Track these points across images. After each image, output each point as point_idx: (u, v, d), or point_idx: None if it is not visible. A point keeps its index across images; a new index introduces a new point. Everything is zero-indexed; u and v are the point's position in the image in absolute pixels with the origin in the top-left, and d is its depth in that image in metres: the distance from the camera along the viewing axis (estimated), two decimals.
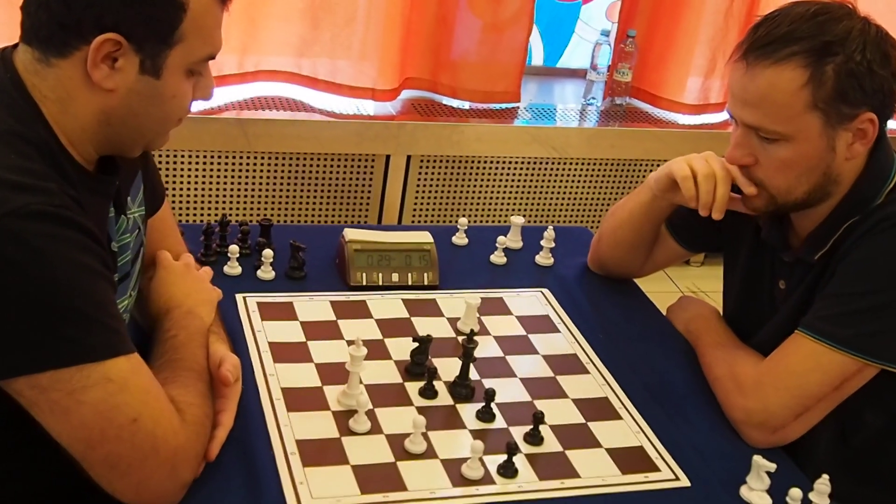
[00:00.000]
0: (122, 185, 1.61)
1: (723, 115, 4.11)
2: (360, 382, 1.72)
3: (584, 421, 1.77)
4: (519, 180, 3.87)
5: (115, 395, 1.34)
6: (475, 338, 1.79)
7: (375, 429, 1.66)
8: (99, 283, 1.38)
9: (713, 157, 1.87)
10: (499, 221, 3.87)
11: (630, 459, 1.69)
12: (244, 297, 1.95)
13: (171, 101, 1.50)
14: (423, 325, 1.95)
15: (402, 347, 1.84)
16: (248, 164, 3.52)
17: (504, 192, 3.88)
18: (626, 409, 1.81)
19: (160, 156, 3.30)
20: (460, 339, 1.86)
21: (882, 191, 1.77)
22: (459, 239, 2.30)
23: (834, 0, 1.73)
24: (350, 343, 1.71)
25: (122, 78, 1.43)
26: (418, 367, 1.79)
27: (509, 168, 3.83)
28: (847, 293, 1.74)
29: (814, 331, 1.74)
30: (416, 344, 1.79)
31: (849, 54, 1.67)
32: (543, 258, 2.26)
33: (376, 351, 1.75)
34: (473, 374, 1.81)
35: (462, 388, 1.78)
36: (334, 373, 1.77)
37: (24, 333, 1.30)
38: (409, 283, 2.07)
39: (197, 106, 3.30)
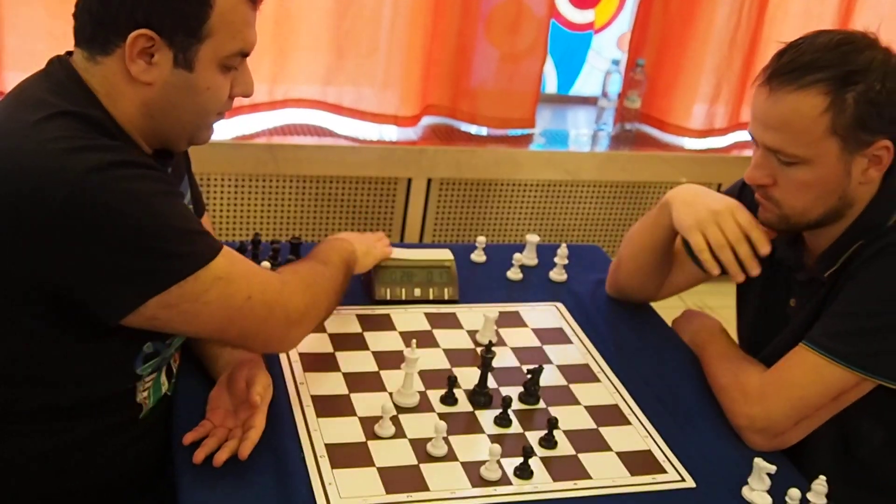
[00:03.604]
0: (173, 181, 1.65)
1: (727, 139, 4.12)
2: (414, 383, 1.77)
3: (595, 426, 1.77)
4: (534, 201, 3.88)
5: (228, 286, 1.48)
6: (493, 349, 1.80)
7: (399, 433, 1.67)
8: (180, 202, 1.49)
9: (724, 216, 1.85)
10: (515, 240, 3.87)
11: (638, 462, 1.70)
12: None
13: (205, 93, 1.53)
14: (444, 337, 1.96)
15: (425, 358, 1.84)
16: (278, 187, 3.54)
17: (520, 213, 3.88)
18: (635, 415, 1.82)
19: (198, 178, 3.32)
20: (479, 350, 1.87)
21: (893, 215, 1.75)
22: (478, 256, 2.30)
23: (857, 31, 1.72)
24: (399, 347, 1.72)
25: (159, 72, 1.48)
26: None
27: (525, 190, 3.84)
28: (851, 312, 1.73)
29: (817, 345, 1.73)
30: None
31: (869, 84, 1.65)
32: (557, 274, 2.26)
33: (400, 361, 1.77)
34: (491, 382, 1.82)
35: (481, 396, 1.79)
36: (361, 381, 1.79)
37: (142, 264, 1.39)
38: (431, 297, 2.08)
39: (230, 133, 3.39)
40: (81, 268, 1.36)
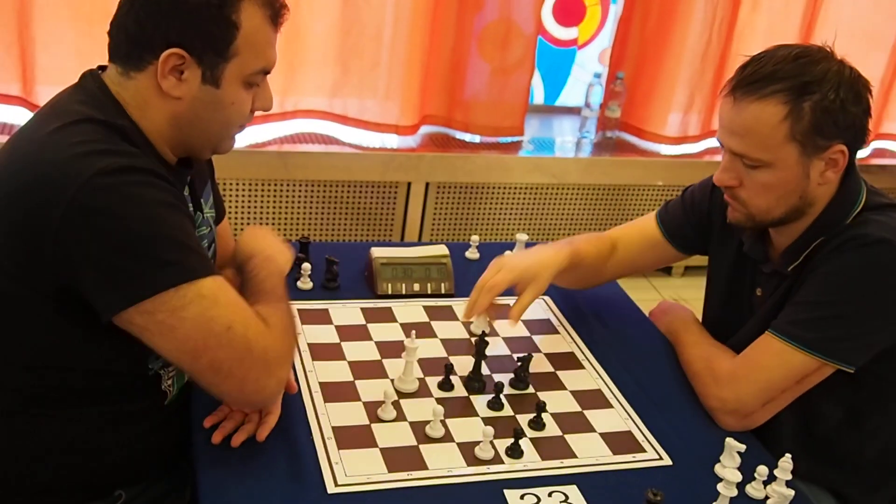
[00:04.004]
0: (196, 187, 1.65)
1: (700, 146, 4.11)
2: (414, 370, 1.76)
3: (580, 409, 1.77)
4: (523, 203, 3.88)
5: (210, 308, 1.39)
6: (486, 338, 1.80)
7: (400, 416, 1.67)
8: (182, 216, 1.43)
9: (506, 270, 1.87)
10: (506, 238, 3.86)
11: (620, 442, 1.70)
12: None
13: (230, 108, 1.53)
14: (441, 328, 1.96)
15: (424, 347, 1.84)
16: (288, 191, 3.54)
17: (510, 214, 3.88)
18: (617, 399, 1.82)
19: None
20: (473, 339, 1.87)
21: (850, 213, 1.76)
22: (472, 254, 2.30)
23: (814, 44, 1.72)
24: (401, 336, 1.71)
25: (188, 87, 1.48)
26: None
27: (515, 193, 3.84)
28: (813, 302, 1.74)
29: (782, 333, 1.74)
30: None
31: (824, 93, 1.65)
32: None
33: (401, 350, 1.76)
34: (485, 369, 1.82)
35: (475, 382, 1.79)
36: (364, 369, 1.79)
37: (129, 268, 1.35)
38: (429, 291, 2.08)
39: (244, 141, 3.37)
40: (82, 265, 1.34)
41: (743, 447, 1.58)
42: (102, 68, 1.54)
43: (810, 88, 1.66)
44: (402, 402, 1.71)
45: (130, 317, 1.37)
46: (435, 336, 1.93)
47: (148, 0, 1.45)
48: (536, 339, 1.99)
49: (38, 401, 1.47)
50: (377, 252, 2.09)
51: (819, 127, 1.67)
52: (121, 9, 1.49)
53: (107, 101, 1.48)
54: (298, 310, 1.95)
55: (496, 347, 1.92)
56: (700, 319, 2.08)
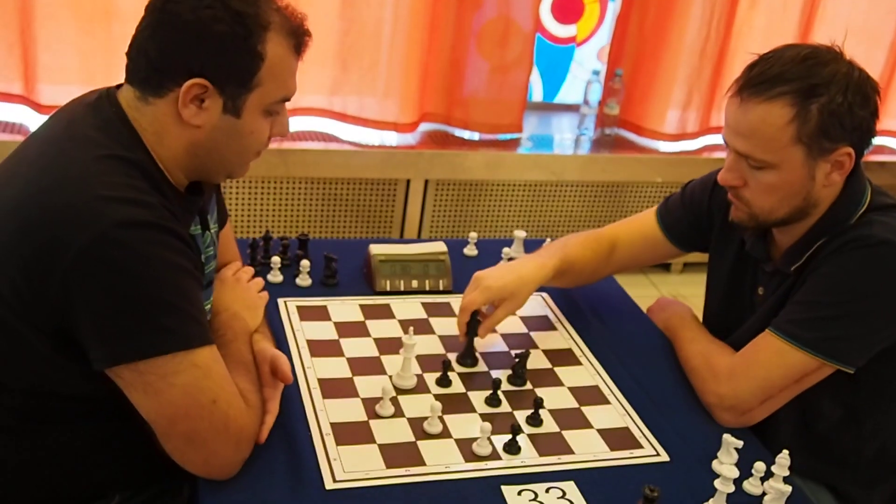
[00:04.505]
0: (204, 205, 1.63)
1: (698, 143, 4.11)
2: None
3: (577, 406, 1.77)
4: (521, 200, 3.87)
5: (201, 379, 1.37)
6: (478, 318, 1.82)
7: (398, 413, 1.67)
8: (191, 282, 1.40)
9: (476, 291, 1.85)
10: (504, 235, 3.86)
11: (617, 438, 1.69)
12: (285, 302, 1.96)
13: (249, 137, 1.51)
14: (439, 325, 1.96)
15: (422, 343, 1.84)
16: (287, 188, 3.54)
17: (508, 210, 3.88)
18: (614, 395, 1.81)
19: None
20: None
21: (854, 214, 1.75)
22: (470, 250, 2.30)
23: (822, 45, 1.71)
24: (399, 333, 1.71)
25: (208, 116, 1.45)
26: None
27: (513, 190, 3.84)
28: (814, 301, 1.73)
29: (782, 331, 1.73)
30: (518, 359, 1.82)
31: (832, 96, 1.64)
32: None
33: (399, 346, 1.76)
34: (482, 365, 1.82)
35: (468, 359, 1.81)
36: (363, 365, 1.79)
37: (129, 326, 1.33)
38: (427, 288, 2.08)
39: None
40: (83, 313, 1.32)
41: (740, 443, 1.59)
42: (119, 86, 1.51)
43: (818, 91, 1.64)
44: (401, 398, 1.71)
45: (120, 371, 1.35)
46: (433, 332, 1.93)
47: (172, 27, 1.41)
48: (534, 335, 1.99)
49: (36, 419, 1.46)
50: (376, 249, 2.09)
51: (826, 130, 1.65)
52: (142, 32, 1.45)
53: (123, 129, 1.45)
54: (297, 307, 1.95)
55: (494, 344, 1.92)
56: (699, 317, 2.07)
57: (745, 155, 1.71)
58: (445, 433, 1.64)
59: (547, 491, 1.54)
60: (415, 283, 2.07)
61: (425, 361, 1.82)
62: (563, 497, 1.53)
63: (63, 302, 1.33)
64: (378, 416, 1.65)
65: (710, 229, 2.00)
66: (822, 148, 1.67)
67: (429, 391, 1.75)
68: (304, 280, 2.04)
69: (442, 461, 1.57)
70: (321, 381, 1.73)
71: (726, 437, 1.60)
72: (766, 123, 1.66)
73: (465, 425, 1.67)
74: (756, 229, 1.85)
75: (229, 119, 1.47)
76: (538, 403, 1.70)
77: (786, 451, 1.54)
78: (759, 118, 1.67)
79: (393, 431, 1.62)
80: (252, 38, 1.43)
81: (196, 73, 1.41)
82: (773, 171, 1.70)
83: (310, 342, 1.84)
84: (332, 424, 1.62)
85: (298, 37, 1.51)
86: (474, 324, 1.81)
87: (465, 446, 1.61)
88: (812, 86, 1.64)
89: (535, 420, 1.70)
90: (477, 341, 1.85)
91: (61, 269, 1.31)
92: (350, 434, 1.60)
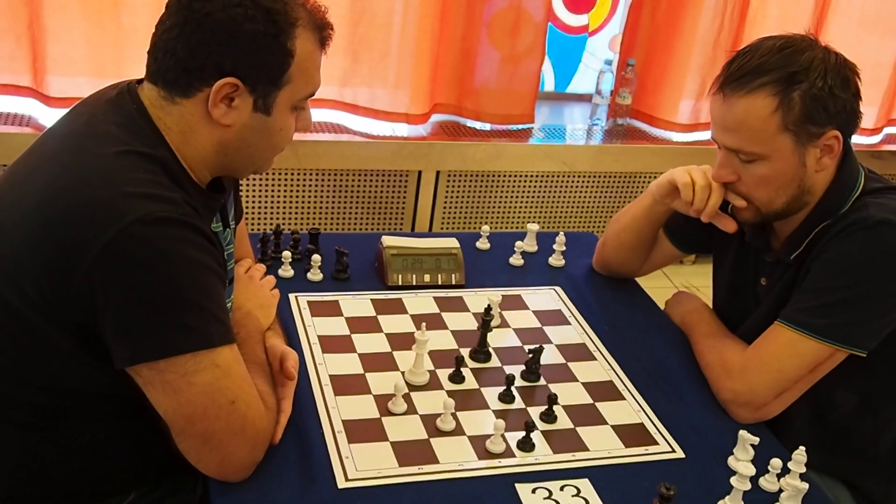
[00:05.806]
0: (225, 202, 1.62)
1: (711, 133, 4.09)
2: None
3: (591, 401, 1.76)
4: (534, 192, 3.86)
5: (221, 379, 1.36)
6: (491, 312, 1.81)
7: (411, 410, 1.66)
8: (214, 280, 1.39)
9: (710, 170, 1.86)
10: (516, 228, 3.85)
11: (632, 434, 1.68)
12: (296, 297, 1.95)
13: (278, 134, 1.51)
14: (452, 320, 1.95)
15: (434, 339, 1.83)
16: (298, 180, 3.53)
17: (521, 203, 3.87)
18: (629, 391, 1.80)
19: None
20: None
21: (849, 198, 1.77)
22: (482, 244, 2.29)
23: (797, 34, 1.73)
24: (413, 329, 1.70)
25: (238, 115, 1.44)
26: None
27: (525, 181, 3.82)
28: (820, 288, 1.73)
29: (792, 321, 1.73)
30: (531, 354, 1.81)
31: (812, 81, 1.66)
32: (555, 260, 2.25)
33: (411, 342, 1.75)
34: (496, 361, 1.81)
35: (481, 354, 1.80)
36: (375, 361, 1.78)
37: (150, 324, 1.31)
38: (439, 282, 2.07)
39: None
40: (105, 310, 1.31)
41: (756, 440, 1.58)
42: (139, 81, 1.49)
43: (798, 78, 1.67)
44: (413, 394, 1.70)
45: (139, 369, 1.34)
46: (446, 328, 1.92)
47: (202, 26, 1.39)
48: (548, 330, 1.97)
49: (53, 416, 1.45)
50: (387, 242, 2.08)
51: (810, 115, 1.67)
52: (167, 31, 1.42)
53: (145, 127, 1.43)
54: (308, 301, 1.94)
55: (507, 339, 1.91)
56: None
57: (735, 149, 1.74)
58: (459, 430, 1.63)
59: (561, 489, 1.52)
60: (427, 278, 2.06)
61: (438, 357, 1.81)
62: (577, 495, 1.52)
63: (86, 299, 1.31)
64: (390, 413, 1.64)
65: (712, 225, 1.98)
66: (809, 133, 1.69)
67: (442, 387, 1.74)
68: (315, 275, 2.02)
69: (455, 459, 1.56)
70: (333, 378, 1.71)
71: (742, 433, 1.59)
72: (751, 115, 1.69)
73: (479, 422, 1.65)
74: (762, 224, 1.86)
75: (259, 117, 1.46)
76: (552, 400, 1.69)
77: (802, 448, 1.54)
78: (743, 111, 1.69)
79: (405, 429, 1.61)
80: (282, 36, 1.42)
81: (227, 72, 1.40)
82: (765, 163, 1.72)
83: (321, 338, 1.83)
84: (345, 422, 1.61)
85: (323, 30, 1.50)
86: (488, 319, 1.79)
87: (479, 443, 1.60)
88: (791, 73, 1.67)
89: (548, 416, 1.69)
90: (490, 336, 1.83)
91: (84, 265, 1.29)
92: (362, 431, 1.59)
